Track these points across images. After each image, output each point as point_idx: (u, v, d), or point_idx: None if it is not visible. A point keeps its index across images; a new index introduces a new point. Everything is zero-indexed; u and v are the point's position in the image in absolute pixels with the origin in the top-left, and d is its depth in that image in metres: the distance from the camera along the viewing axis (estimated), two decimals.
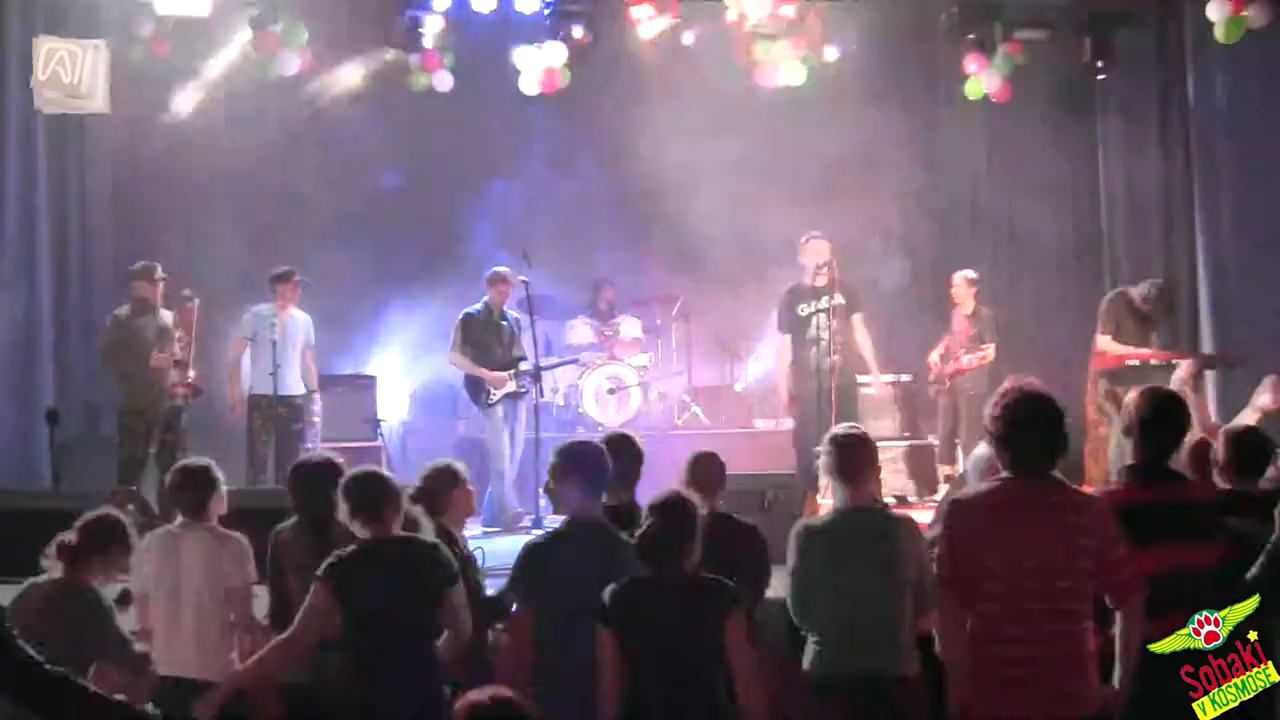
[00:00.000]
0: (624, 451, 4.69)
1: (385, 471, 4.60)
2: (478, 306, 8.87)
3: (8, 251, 8.88)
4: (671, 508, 3.97)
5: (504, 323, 8.87)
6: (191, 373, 8.13)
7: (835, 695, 4.23)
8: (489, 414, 8.72)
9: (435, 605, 4.23)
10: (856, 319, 8.18)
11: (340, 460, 4.82)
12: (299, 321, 8.58)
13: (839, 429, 4.65)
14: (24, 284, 8.98)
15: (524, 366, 8.82)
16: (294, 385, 8.46)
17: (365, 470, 4.44)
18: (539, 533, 4.88)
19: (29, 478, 8.51)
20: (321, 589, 4.17)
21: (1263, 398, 7.61)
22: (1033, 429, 3.70)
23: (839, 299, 8.00)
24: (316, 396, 8.68)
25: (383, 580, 4.17)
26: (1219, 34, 8.83)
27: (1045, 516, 3.64)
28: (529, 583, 4.27)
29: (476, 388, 8.76)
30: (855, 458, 4.42)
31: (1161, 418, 4.09)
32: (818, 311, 8.02)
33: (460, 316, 8.88)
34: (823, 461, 4.46)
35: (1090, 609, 3.64)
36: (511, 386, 8.75)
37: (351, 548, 4.23)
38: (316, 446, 8.38)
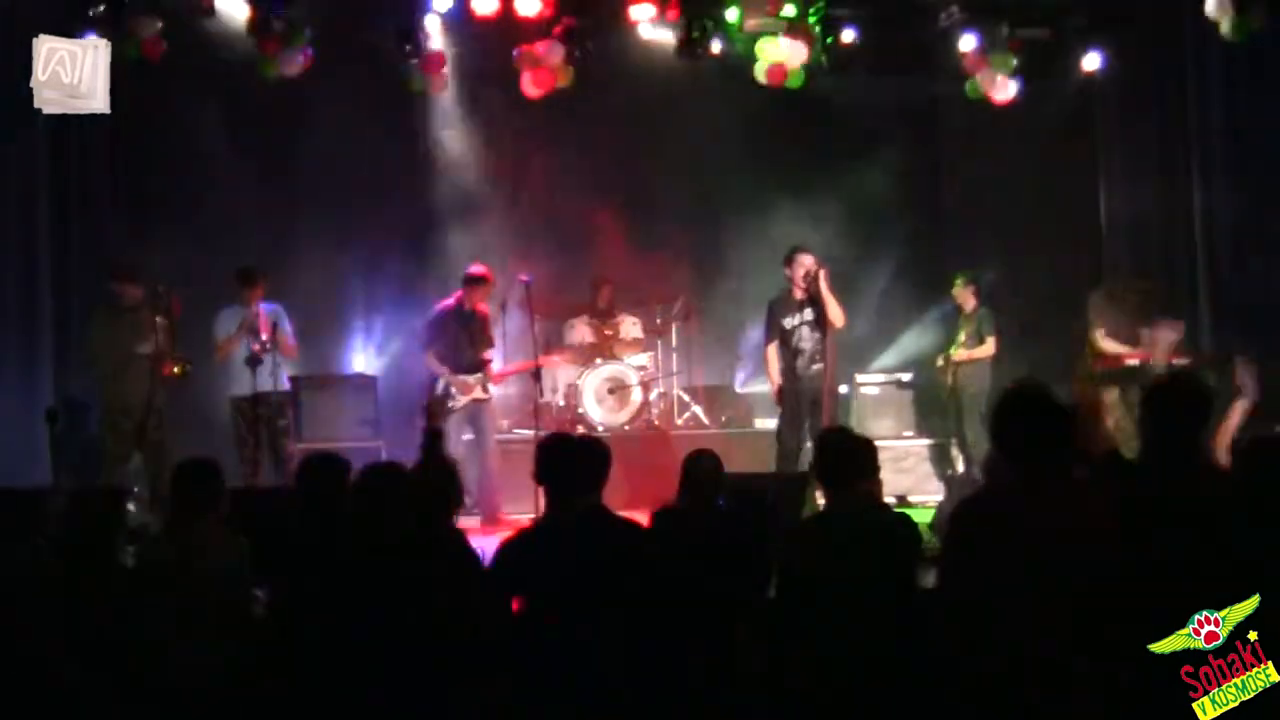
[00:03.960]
0: (588, 455, 4.62)
1: None
2: (450, 303, 8.89)
3: (8, 249, 8.89)
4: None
5: (474, 322, 8.87)
6: (175, 360, 8.12)
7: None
8: (449, 419, 8.65)
9: None
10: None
11: (345, 457, 4.85)
12: (268, 316, 8.53)
13: (824, 430, 4.67)
14: (24, 281, 9.00)
15: (492, 366, 8.88)
16: (270, 382, 8.41)
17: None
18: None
19: (30, 477, 8.51)
20: None
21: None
22: (1024, 424, 3.71)
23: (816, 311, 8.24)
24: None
25: None
26: (1225, 33, 8.84)
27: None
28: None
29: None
30: (840, 461, 4.41)
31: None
32: (801, 324, 8.27)
33: (434, 313, 8.92)
34: (811, 464, 4.46)
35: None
36: (478, 393, 8.77)
37: None
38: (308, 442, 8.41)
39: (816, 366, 8.21)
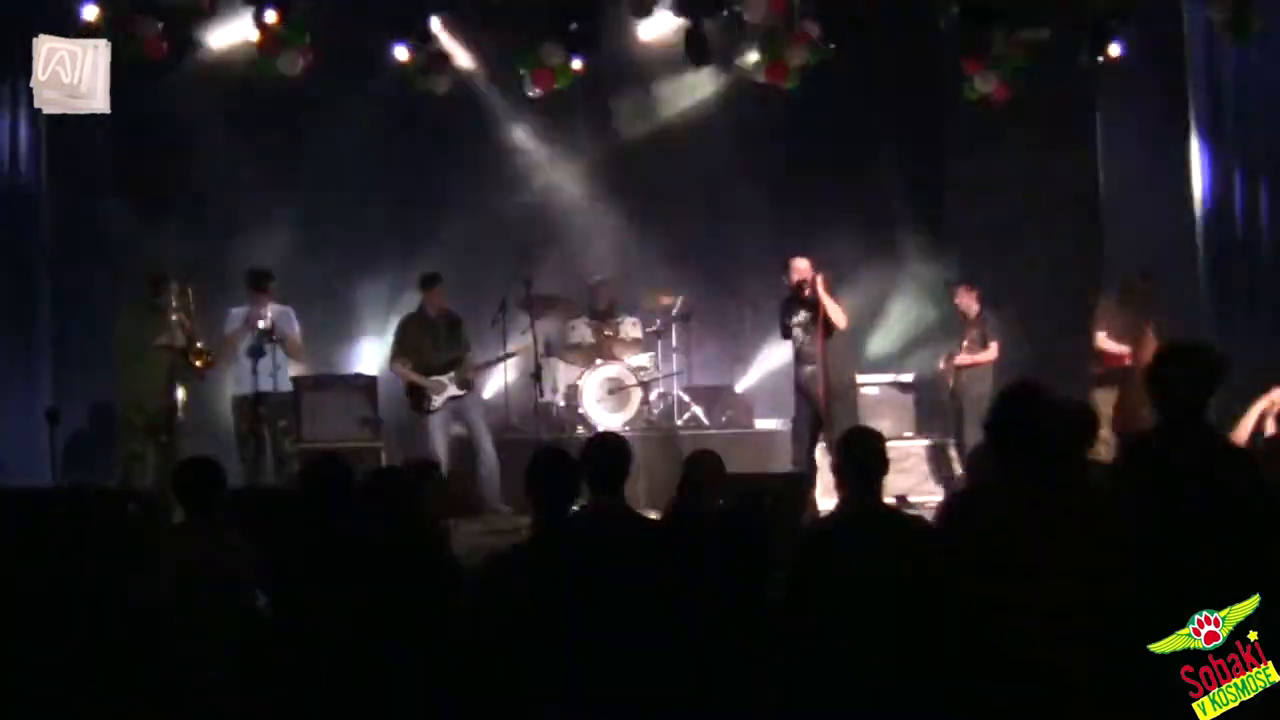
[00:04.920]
0: (606, 453, 4.61)
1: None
2: (413, 311, 9.03)
3: (7, 248, 8.89)
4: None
5: (439, 325, 8.95)
6: (199, 353, 8.21)
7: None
8: (428, 420, 8.84)
9: None
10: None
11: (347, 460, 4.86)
12: (275, 317, 8.57)
13: (848, 429, 4.66)
14: (24, 281, 9.00)
15: (470, 366, 8.95)
16: (271, 382, 8.44)
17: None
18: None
19: (29, 477, 8.51)
20: None
21: None
22: (1022, 430, 3.72)
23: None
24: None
25: None
26: (1228, 36, 8.84)
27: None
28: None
29: (417, 395, 8.88)
30: (858, 458, 4.40)
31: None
32: (797, 326, 8.45)
33: (397, 323, 9.07)
34: (831, 462, 4.45)
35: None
36: (452, 390, 8.84)
37: None
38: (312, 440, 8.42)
39: (811, 368, 8.34)
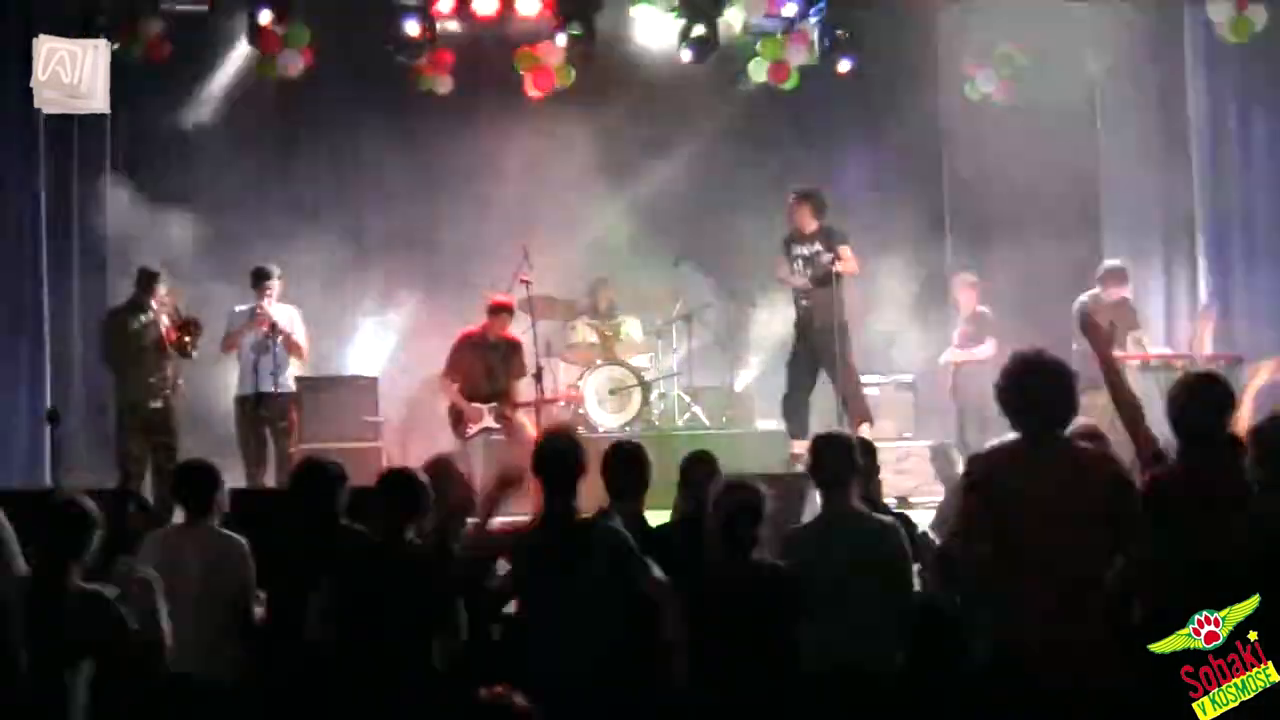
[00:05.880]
0: (628, 461, 4.64)
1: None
2: (472, 330, 8.91)
3: (7, 248, 8.89)
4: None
5: (494, 351, 8.84)
6: (185, 328, 8.15)
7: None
8: (466, 445, 8.72)
9: None
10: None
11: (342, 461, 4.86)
12: (280, 317, 8.55)
13: (818, 431, 4.67)
14: (23, 282, 9.00)
15: (513, 400, 8.77)
16: (270, 382, 8.42)
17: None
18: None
19: (29, 478, 8.52)
20: None
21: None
22: (1037, 394, 3.79)
23: (816, 246, 8.66)
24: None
25: None
26: (1227, 34, 8.85)
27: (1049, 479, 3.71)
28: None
29: (456, 418, 8.82)
30: (829, 461, 4.39)
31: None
32: (796, 257, 8.78)
33: (456, 338, 8.92)
34: (805, 464, 4.45)
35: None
36: (488, 422, 8.76)
37: None
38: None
39: (806, 304, 8.69)
